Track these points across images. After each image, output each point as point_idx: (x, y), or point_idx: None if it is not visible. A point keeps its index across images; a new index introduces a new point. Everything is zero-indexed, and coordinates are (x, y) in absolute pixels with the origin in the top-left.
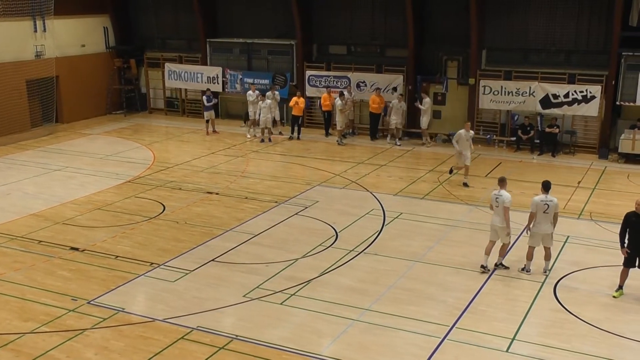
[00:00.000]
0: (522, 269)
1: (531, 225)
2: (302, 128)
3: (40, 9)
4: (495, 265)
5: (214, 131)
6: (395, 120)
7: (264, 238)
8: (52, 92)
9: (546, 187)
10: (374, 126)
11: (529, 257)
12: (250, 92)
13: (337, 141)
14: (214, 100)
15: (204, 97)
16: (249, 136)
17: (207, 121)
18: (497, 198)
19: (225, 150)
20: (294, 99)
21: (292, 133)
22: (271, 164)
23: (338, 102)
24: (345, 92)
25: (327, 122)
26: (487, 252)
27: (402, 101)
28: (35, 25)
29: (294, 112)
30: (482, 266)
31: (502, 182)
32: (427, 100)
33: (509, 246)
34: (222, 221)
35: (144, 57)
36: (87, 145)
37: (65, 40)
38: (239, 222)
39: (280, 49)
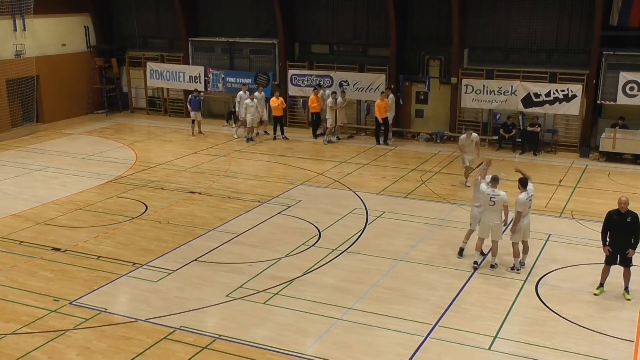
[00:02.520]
0: (512, 268)
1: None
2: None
3: (20, 8)
4: (492, 266)
5: (200, 132)
6: (470, 158)
7: (247, 237)
8: (33, 91)
9: (524, 183)
10: (379, 130)
11: (516, 254)
12: (241, 92)
13: (324, 140)
14: (193, 97)
15: (190, 97)
16: (236, 137)
17: (193, 121)
18: (492, 197)
19: (207, 149)
20: (274, 99)
21: (275, 133)
22: (254, 163)
23: (330, 100)
24: (339, 96)
25: (314, 123)
26: (478, 249)
27: (471, 135)
28: (14, 24)
29: (277, 113)
30: (474, 262)
31: (495, 181)
32: (391, 97)
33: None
34: (205, 221)
35: (126, 57)
36: (68, 145)
37: (46, 39)
38: (222, 222)
39: (263, 48)
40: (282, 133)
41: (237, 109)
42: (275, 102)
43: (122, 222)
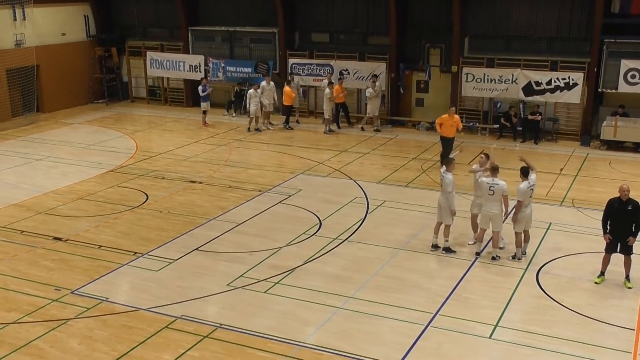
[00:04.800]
0: (513, 257)
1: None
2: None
3: None
4: (493, 258)
5: (205, 123)
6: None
7: (248, 227)
8: (33, 81)
9: (525, 173)
10: (448, 153)
11: (519, 244)
12: (264, 83)
13: (324, 130)
14: (209, 90)
15: (200, 87)
16: (271, 128)
17: (204, 112)
18: (491, 187)
19: (208, 138)
20: (289, 88)
21: (288, 122)
22: (254, 152)
23: (327, 90)
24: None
25: (339, 113)
26: (480, 239)
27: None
28: (14, 13)
29: (290, 102)
30: (476, 253)
31: (495, 170)
32: (377, 85)
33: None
34: (206, 210)
35: (125, 46)
36: (68, 135)
37: (45, 28)
38: (223, 211)
39: (263, 37)
40: (288, 123)
41: (265, 101)
42: (290, 90)
43: (122, 211)
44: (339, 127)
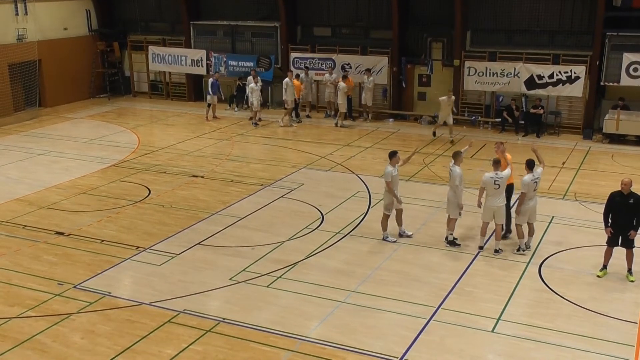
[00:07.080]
0: (517, 250)
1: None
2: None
3: None
4: (496, 251)
5: (215, 117)
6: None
7: (250, 221)
8: (35, 75)
9: (531, 165)
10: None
11: (521, 236)
12: (287, 79)
13: (335, 123)
14: (209, 93)
15: (211, 80)
16: (282, 124)
17: (209, 105)
18: (496, 181)
19: (210, 133)
20: (296, 81)
21: (299, 116)
22: (256, 146)
23: (341, 84)
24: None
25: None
26: (483, 234)
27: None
28: (16, 8)
29: (297, 95)
30: (479, 247)
31: (496, 164)
32: (371, 79)
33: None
34: (208, 204)
35: (127, 40)
36: (71, 129)
37: (47, 23)
38: (225, 205)
39: (264, 31)
40: (298, 116)
41: (284, 96)
42: (299, 84)
43: (125, 206)
44: (352, 119)
